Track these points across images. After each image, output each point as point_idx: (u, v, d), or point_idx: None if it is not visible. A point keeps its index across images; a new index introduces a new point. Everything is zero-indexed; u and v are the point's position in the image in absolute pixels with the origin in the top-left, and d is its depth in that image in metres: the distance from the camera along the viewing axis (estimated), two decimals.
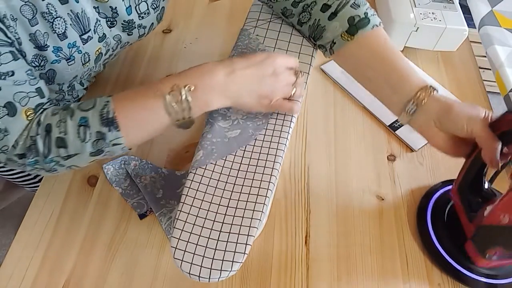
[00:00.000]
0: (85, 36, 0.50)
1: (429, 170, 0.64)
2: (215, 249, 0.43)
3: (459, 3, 0.81)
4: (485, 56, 0.80)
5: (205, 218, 0.45)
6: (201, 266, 0.42)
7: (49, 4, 0.45)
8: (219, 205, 0.47)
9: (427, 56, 0.81)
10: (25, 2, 0.43)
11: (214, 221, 0.45)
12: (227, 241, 0.44)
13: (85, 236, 0.55)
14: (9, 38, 0.44)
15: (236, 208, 0.46)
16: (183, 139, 0.64)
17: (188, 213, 0.46)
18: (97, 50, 0.54)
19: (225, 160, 0.50)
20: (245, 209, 0.46)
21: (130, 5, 0.54)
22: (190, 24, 0.82)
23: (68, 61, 0.50)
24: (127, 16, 0.54)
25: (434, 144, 0.50)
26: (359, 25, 0.52)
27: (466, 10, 0.83)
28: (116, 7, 0.52)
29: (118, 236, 0.55)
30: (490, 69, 0.78)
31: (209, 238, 0.44)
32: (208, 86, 0.47)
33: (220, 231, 0.44)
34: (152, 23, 0.60)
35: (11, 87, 0.44)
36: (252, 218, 0.45)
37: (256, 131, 0.53)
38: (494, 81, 0.76)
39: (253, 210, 0.46)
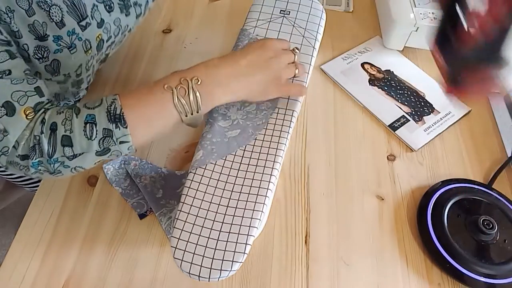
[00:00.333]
0: (83, 23, 0.51)
1: (429, 170, 0.64)
2: (215, 249, 0.43)
3: None
4: None
5: (205, 218, 0.45)
6: (201, 266, 0.42)
7: None
8: (219, 205, 0.47)
9: (427, 56, 0.81)
10: None
11: (214, 220, 0.45)
12: (227, 241, 0.44)
13: (85, 236, 0.55)
14: (5, 37, 0.44)
15: (236, 208, 0.46)
16: (183, 139, 0.64)
17: (188, 213, 0.46)
18: (98, 36, 0.54)
19: (225, 160, 0.51)
20: (245, 209, 0.46)
21: None
22: (190, 24, 0.82)
23: (70, 49, 0.50)
24: None
25: None
26: None
27: None
28: None
29: (118, 236, 0.55)
30: None
31: (209, 237, 0.44)
32: (215, 80, 0.48)
33: (220, 231, 0.44)
34: (147, 1, 0.61)
35: (9, 86, 0.44)
36: (252, 218, 0.45)
37: (256, 131, 0.53)
38: None
39: (253, 210, 0.46)
